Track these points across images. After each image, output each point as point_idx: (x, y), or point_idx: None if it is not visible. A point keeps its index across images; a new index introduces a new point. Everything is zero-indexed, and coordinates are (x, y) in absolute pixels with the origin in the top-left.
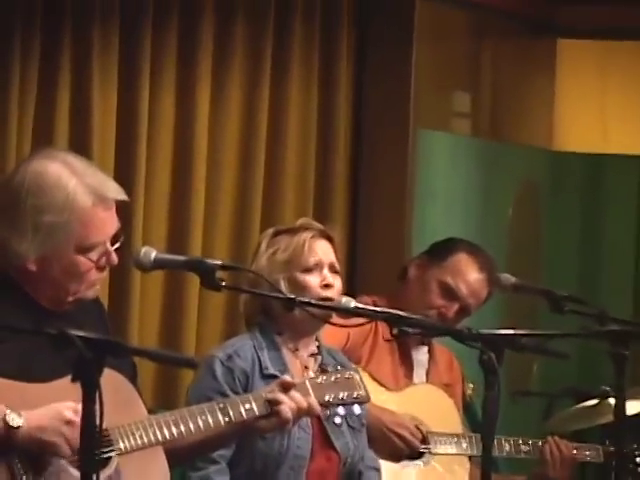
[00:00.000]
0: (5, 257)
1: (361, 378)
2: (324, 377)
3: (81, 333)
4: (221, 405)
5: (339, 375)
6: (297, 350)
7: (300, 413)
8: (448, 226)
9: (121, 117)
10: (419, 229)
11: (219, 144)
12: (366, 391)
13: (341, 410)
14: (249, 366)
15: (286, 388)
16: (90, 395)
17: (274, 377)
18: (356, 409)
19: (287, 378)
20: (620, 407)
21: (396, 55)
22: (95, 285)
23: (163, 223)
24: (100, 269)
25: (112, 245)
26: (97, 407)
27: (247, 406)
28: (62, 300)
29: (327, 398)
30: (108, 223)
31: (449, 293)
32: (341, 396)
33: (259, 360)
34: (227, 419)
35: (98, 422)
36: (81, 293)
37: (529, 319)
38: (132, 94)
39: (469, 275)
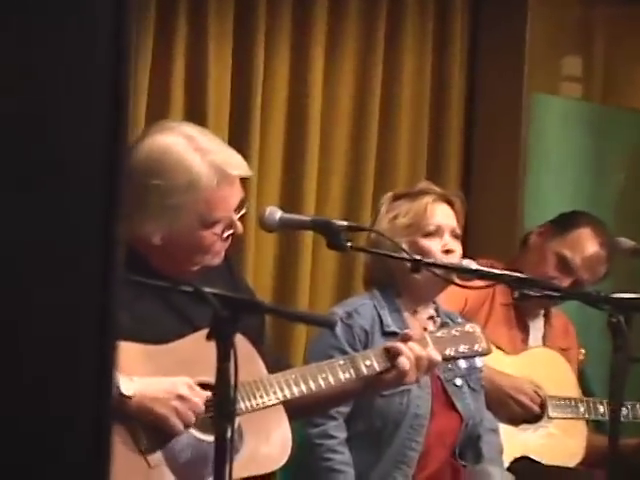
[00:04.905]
0: (131, 232)
1: (482, 330)
2: (444, 330)
3: (217, 291)
4: (341, 362)
5: (459, 328)
6: (416, 312)
7: (420, 364)
8: (560, 191)
9: (235, 80)
10: (532, 194)
11: (332, 108)
12: (487, 343)
13: (463, 363)
14: (369, 324)
15: (405, 340)
16: (225, 353)
17: (395, 334)
18: (478, 362)
19: (408, 331)
20: None
21: (510, 20)
22: (220, 253)
23: (276, 186)
24: (225, 239)
25: (236, 214)
26: (232, 365)
27: (367, 362)
28: (186, 271)
29: (448, 351)
30: (232, 198)
31: (565, 266)
32: (462, 349)
33: (380, 318)
34: (347, 376)
35: (233, 381)
36: (206, 262)
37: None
38: (247, 56)
39: (588, 250)
